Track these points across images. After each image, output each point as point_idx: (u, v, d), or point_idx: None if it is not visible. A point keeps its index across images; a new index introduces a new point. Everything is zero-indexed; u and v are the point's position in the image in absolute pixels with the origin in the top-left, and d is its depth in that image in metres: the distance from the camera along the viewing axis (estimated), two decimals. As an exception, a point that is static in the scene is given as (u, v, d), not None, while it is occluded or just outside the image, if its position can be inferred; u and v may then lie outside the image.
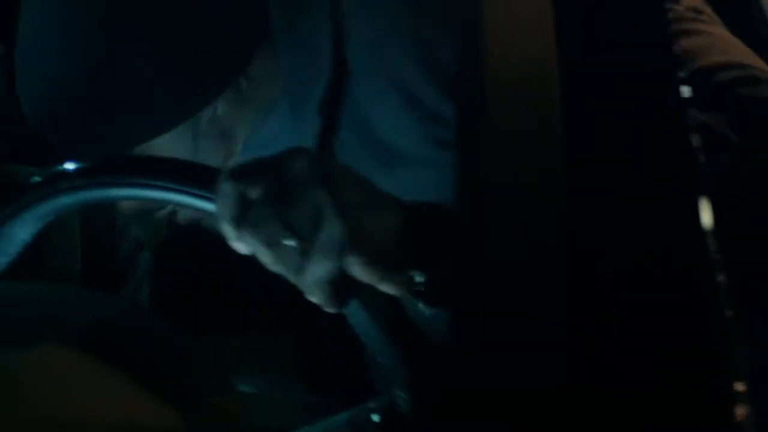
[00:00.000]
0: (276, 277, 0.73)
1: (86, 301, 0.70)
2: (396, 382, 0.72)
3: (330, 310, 0.73)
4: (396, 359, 0.71)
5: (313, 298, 0.72)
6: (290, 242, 0.70)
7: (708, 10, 0.97)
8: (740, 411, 0.46)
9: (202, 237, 1.01)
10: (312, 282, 0.71)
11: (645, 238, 0.51)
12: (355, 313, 0.71)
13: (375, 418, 0.73)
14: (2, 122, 1.71)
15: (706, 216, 0.52)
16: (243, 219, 0.71)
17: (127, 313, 0.72)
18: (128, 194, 0.76)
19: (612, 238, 0.51)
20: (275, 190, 0.71)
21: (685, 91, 0.58)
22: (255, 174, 0.72)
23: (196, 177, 0.74)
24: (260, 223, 0.71)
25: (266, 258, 0.72)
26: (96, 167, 0.74)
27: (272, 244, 0.71)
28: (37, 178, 0.77)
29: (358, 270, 0.70)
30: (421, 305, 0.73)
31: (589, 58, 0.58)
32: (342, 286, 0.71)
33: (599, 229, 0.52)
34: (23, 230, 0.78)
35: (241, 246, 0.73)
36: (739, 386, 0.46)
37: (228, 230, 0.72)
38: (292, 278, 0.72)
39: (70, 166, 0.76)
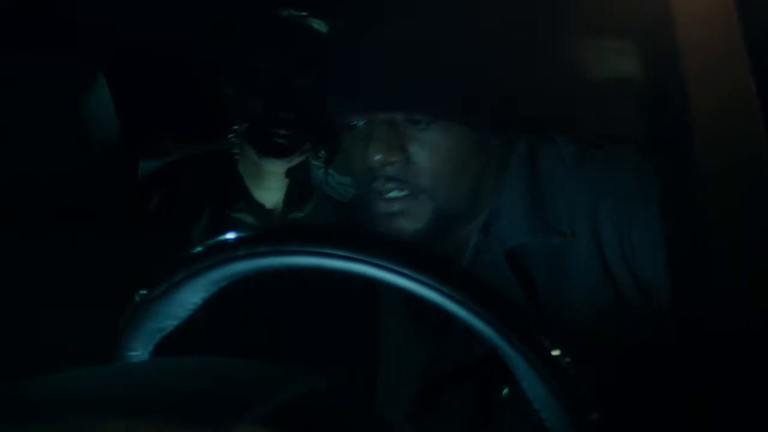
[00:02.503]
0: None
1: (279, 376, 0.63)
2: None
3: None
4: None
5: None
6: None
7: None
8: None
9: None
10: None
11: None
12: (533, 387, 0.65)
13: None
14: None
15: None
16: None
17: (324, 389, 0.64)
18: (308, 263, 0.70)
19: None
20: None
21: None
22: None
23: (400, 252, 0.67)
24: None
25: None
26: (275, 234, 0.69)
27: None
28: (209, 242, 0.72)
29: None
30: None
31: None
32: None
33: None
34: (195, 295, 0.75)
35: None
36: None
37: None
38: None
39: (234, 235, 0.71)
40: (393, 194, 1.22)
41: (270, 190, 1.92)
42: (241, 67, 1.88)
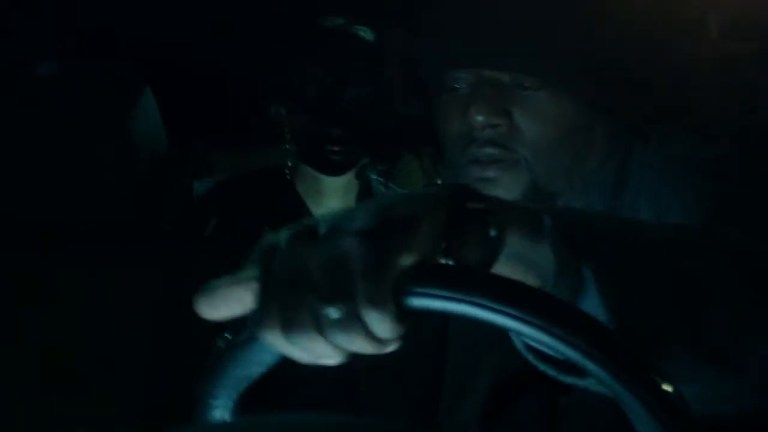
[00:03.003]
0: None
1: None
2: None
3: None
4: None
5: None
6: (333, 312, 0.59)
7: None
8: None
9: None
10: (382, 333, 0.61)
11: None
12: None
13: None
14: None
15: None
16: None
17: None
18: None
19: None
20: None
21: None
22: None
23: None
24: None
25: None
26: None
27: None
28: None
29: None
30: None
31: None
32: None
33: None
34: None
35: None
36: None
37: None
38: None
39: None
40: (489, 158, 1.13)
41: (331, 208, 1.88)
42: (288, 83, 1.84)
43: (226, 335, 0.68)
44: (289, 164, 1.90)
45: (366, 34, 1.83)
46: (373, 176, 1.90)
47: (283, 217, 1.87)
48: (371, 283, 0.60)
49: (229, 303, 0.64)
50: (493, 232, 0.67)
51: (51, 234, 1.43)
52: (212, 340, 1.26)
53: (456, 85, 1.15)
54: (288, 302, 0.61)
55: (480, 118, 1.12)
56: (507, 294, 0.61)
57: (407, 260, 0.62)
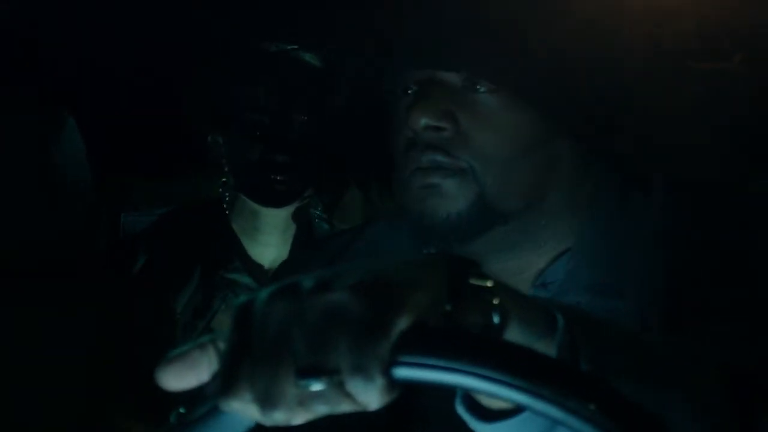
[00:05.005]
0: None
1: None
2: None
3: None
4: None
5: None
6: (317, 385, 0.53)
7: None
8: None
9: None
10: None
11: None
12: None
13: None
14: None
15: None
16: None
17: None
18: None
19: None
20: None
21: None
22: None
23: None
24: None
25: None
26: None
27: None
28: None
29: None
30: None
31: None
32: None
33: None
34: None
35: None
36: None
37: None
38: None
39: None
40: (431, 164, 1.03)
41: (269, 246, 1.75)
42: (230, 108, 1.72)
43: (179, 409, 0.57)
44: (226, 197, 1.78)
45: (312, 59, 1.73)
46: (316, 212, 1.78)
47: (218, 257, 1.76)
48: (360, 352, 0.53)
49: (198, 371, 0.57)
50: (496, 319, 0.61)
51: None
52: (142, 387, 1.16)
53: (408, 90, 1.06)
54: (265, 371, 0.54)
55: (422, 120, 1.02)
56: (535, 370, 0.52)
57: (405, 322, 0.54)
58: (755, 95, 1.22)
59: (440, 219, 1.03)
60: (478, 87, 1.02)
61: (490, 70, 1.02)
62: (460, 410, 0.70)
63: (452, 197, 1.03)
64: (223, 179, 1.77)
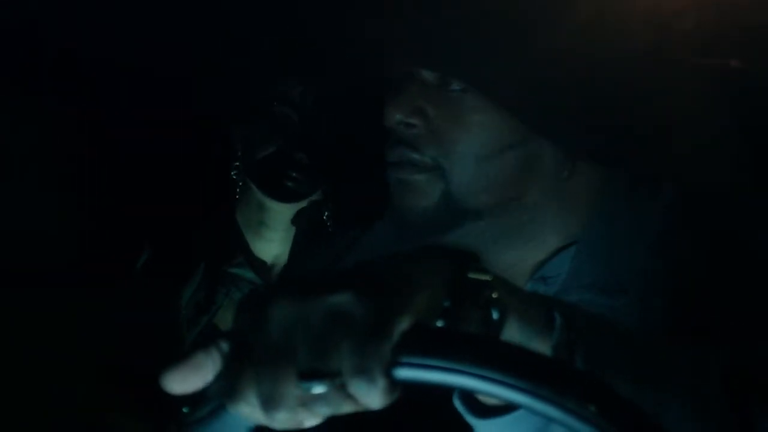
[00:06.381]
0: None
1: None
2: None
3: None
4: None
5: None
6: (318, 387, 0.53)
7: None
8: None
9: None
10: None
11: None
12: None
13: None
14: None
15: None
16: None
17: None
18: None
19: None
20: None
21: None
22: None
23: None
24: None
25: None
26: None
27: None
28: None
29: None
30: None
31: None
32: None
33: None
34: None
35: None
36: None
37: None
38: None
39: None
40: (401, 159, 1.06)
41: (272, 241, 1.75)
42: (262, 99, 1.70)
43: (183, 408, 0.58)
44: (235, 187, 1.77)
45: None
46: (324, 212, 1.77)
47: (221, 251, 1.76)
48: (362, 354, 0.53)
49: (202, 373, 0.58)
50: (495, 315, 0.62)
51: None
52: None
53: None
54: (268, 373, 0.54)
55: (395, 115, 1.05)
56: (534, 371, 0.52)
57: (406, 322, 0.55)
58: (760, 96, 1.22)
59: (415, 214, 1.05)
60: (451, 87, 1.04)
61: (460, 69, 1.03)
62: (457, 405, 0.71)
63: (421, 192, 1.05)
64: (236, 164, 1.75)
